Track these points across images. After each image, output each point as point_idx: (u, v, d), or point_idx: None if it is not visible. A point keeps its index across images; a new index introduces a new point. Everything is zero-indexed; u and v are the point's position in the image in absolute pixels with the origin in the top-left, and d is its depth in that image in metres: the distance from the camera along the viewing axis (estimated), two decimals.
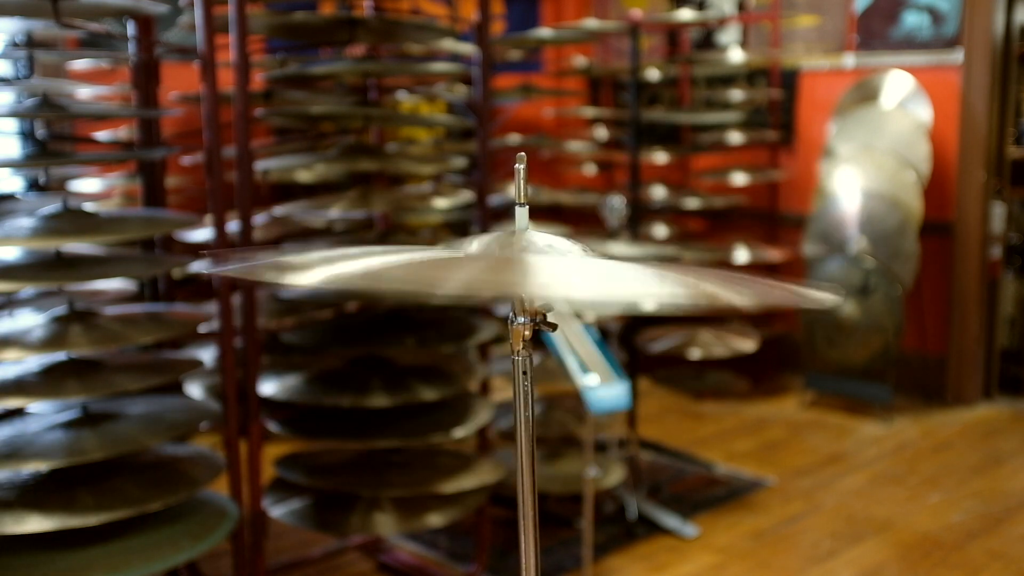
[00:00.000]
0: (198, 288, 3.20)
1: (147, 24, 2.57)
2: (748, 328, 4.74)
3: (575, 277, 1.00)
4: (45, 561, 2.07)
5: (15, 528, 2.00)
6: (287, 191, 3.95)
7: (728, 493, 3.64)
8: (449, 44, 2.88)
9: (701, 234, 5.35)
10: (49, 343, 2.08)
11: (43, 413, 2.29)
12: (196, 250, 2.94)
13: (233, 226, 2.51)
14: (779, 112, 5.08)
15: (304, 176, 3.34)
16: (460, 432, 2.65)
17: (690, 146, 5.14)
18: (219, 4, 2.40)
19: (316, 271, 0.99)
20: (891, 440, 4.18)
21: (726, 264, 4.63)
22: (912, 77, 4.59)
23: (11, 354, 2.05)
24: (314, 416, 2.72)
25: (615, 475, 3.29)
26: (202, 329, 2.45)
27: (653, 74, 4.84)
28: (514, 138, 4.51)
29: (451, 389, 2.66)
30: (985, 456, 3.98)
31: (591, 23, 4.45)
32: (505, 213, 4.00)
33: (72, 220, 2.19)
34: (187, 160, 3.93)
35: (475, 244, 1.11)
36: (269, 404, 2.67)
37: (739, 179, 4.82)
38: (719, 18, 5.29)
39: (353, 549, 3.21)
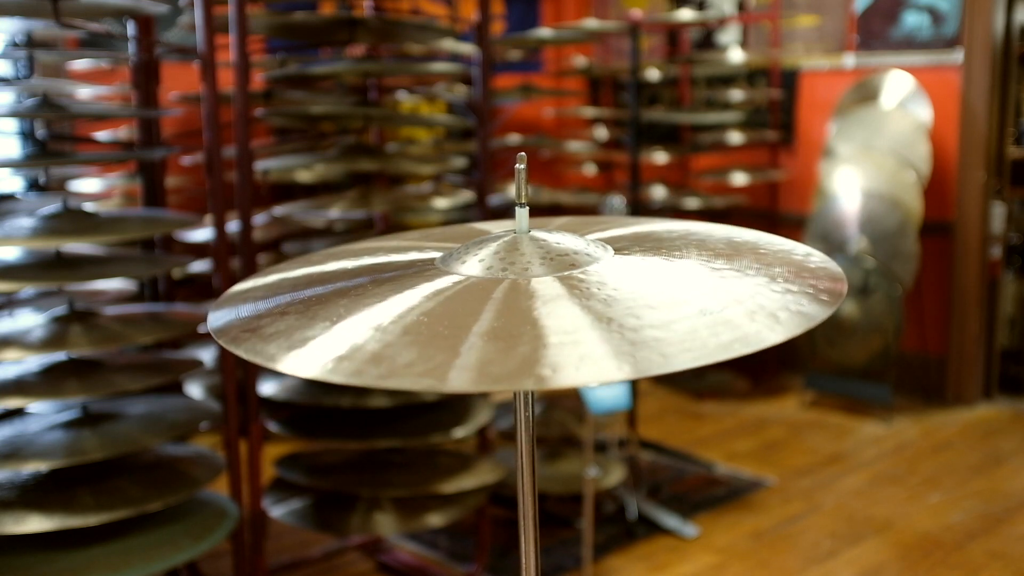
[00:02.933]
0: (198, 288, 3.21)
1: (147, 24, 2.57)
2: None
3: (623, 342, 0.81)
4: (45, 561, 2.07)
5: (15, 528, 2.00)
6: (287, 191, 3.96)
7: (728, 493, 3.64)
8: (449, 44, 2.88)
9: None
10: (49, 343, 2.08)
11: (43, 413, 2.29)
12: (196, 250, 2.94)
13: (233, 226, 2.51)
14: (779, 112, 5.08)
15: (304, 176, 3.34)
16: (460, 432, 2.65)
17: (690, 146, 5.14)
18: (219, 4, 2.40)
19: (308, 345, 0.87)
20: (891, 440, 4.18)
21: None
22: (912, 77, 4.59)
23: (11, 354, 2.05)
24: (314, 416, 2.72)
25: (615, 475, 3.29)
26: (202, 329, 2.45)
27: (653, 74, 4.85)
28: (514, 138, 4.50)
29: None
30: (985, 456, 3.98)
31: (591, 23, 4.45)
32: (505, 213, 4.00)
33: (72, 220, 2.19)
34: (187, 160, 3.93)
35: (475, 263, 0.98)
36: (269, 404, 2.67)
37: (739, 179, 4.82)
38: (719, 18, 5.29)
39: (353, 549, 3.21)
